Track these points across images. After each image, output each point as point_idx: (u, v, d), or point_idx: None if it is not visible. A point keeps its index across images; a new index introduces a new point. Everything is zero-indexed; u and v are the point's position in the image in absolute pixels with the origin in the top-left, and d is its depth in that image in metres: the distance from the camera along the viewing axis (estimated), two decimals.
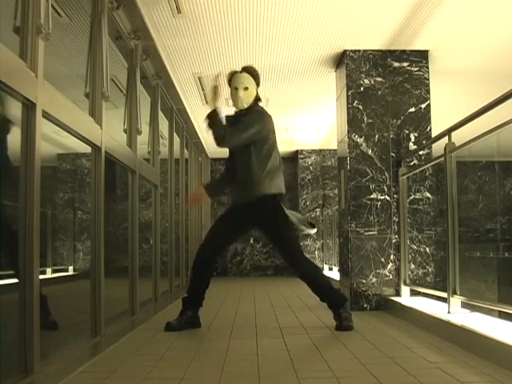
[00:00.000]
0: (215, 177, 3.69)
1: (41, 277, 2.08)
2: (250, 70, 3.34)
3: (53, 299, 2.62)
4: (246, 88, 3.28)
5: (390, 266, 4.31)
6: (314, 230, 3.44)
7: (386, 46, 4.43)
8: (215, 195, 3.90)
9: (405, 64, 4.49)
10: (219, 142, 3.28)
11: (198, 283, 3.40)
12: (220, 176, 3.79)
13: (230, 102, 3.46)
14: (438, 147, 3.59)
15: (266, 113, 3.39)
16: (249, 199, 3.31)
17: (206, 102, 6.09)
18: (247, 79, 3.30)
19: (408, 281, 4.22)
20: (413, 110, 4.45)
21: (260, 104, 3.43)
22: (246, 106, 3.32)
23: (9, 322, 1.99)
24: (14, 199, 2.00)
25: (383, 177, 4.39)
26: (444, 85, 5.32)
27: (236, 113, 3.41)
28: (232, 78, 3.33)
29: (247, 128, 3.24)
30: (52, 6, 2.23)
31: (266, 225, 3.37)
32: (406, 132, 4.43)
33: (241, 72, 3.33)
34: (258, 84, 3.37)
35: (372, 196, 4.37)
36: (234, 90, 3.30)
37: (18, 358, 1.96)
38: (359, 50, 4.50)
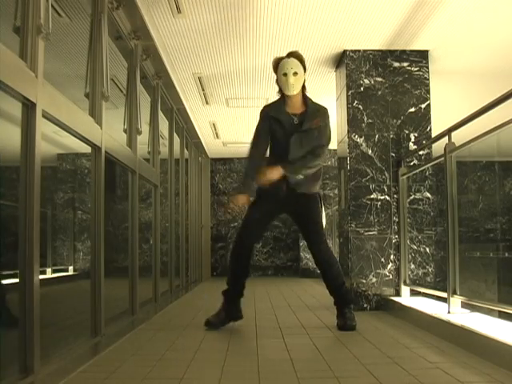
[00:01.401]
0: (248, 173, 3.50)
1: (41, 277, 2.08)
2: (297, 55, 3.31)
3: (53, 299, 2.62)
4: (296, 73, 3.25)
5: (390, 266, 4.31)
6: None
7: (386, 46, 4.43)
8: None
9: (405, 64, 4.49)
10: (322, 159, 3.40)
11: (239, 272, 3.39)
12: (254, 164, 3.41)
13: (276, 88, 3.40)
14: (438, 147, 3.59)
15: (326, 108, 3.41)
16: (306, 191, 3.32)
17: (207, 102, 6.10)
18: (296, 64, 3.26)
19: (408, 281, 4.22)
20: (413, 110, 4.45)
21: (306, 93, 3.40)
22: (295, 92, 3.28)
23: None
24: (14, 199, 2.00)
25: (383, 177, 4.39)
26: (444, 85, 5.32)
27: (291, 111, 3.33)
28: (279, 63, 3.29)
29: (328, 131, 3.39)
30: (52, 5, 2.23)
31: (305, 216, 3.38)
32: (406, 132, 4.43)
33: (288, 57, 3.28)
34: (305, 69, 3.33)
35: (372, 196, 4.37)
36: (283, 75, 3.25)
37: (18, 358, 1.96)
38: (359, 50, 4.50)
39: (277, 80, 3.35)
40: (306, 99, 3.37)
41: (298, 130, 3.28)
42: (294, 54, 3.31)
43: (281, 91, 3.36)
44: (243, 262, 3.38)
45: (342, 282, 3.41)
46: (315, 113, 3.33)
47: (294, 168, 3.27)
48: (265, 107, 3.48)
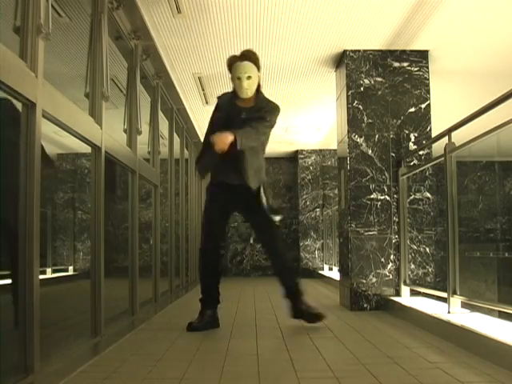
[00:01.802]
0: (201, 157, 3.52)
1: (41, 277, 2.08)
2: (252, 57, 3.29)
3: (53, 299, 2.62)
4: (250, 77, 3.25)
5: (389, 266, 4.31)
6: (277, 218, 3.45)
7: (386, 46, 4.43)
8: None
9: (405, 64, 4.49)
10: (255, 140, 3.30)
11: (208, 279, 3.41)
12: (204, 155, 3.47)
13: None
14: (438, 147, 3.59)
15: (277, 106, 3.43)
16: (247, 185, 3.30)
17: (207, 102, 6.10)
18: (249, 68, 3.25)
19: (408, 281, 4.22)
20: (413, 110, 4.45)
21: (262, 90, 3.42)
22: (250, 95, 3.30)
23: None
24: (14, 199, 2.00)
25: (383, 177, 4.39)
26: (444, 85, 5.32)
27: (241, 104, 3.35)
28: (233, 66, 3.28)
29: (272, 124, 3.36)
30: (52, 5, 2.23)
31: (252, 209, 3.39)
32: (406, 132, 4.43)
33: (242, 60, 3.26)
34: (259, 69, 3.33)
35: (372, 196, 4.37)
36: (237, 79, 3.26)
37: (18, 358, 1.96)
38: (359, 50, 4.50)
39: (232, 78, 3.35)
40: (258, 94, 3.37)
41: (247, 121, 3.28)
42: (247, 57, 3.28)
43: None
44: (212, 268, 3.40)
45: (294, 272, 3.49)
46: (264, 107, 3.34)
47: (244, 132, 3.20)
48: (218, 98, 3.51)
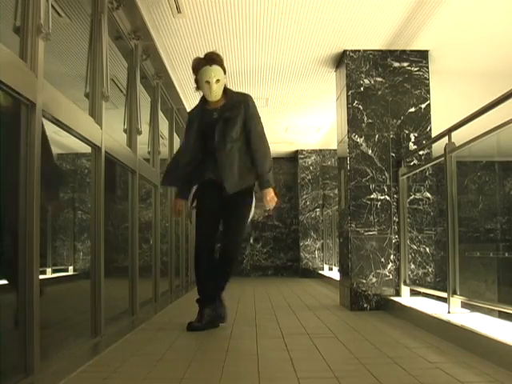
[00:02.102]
0: (171, 175, 3.59)
1: (41, 277, 2.08)
2: (218, 61, 3.31)
3: (53, 299, 2.62)
4: (218, 80, 3.29)
5: (389, 266, 4.31)
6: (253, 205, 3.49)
7: (386, 46, 4.43)
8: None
9: (405, 64, 4.49)
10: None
11: (204, 279, 3.42)
12: (179, 171, 3.48)
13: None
14: (438, 147, 3.59)
15: (247, 94, 3.47)
16: (236, 187, 3.32)
17: None
18: (217, 71, 3.28)
19: (408, 281, 4.22)
20: (413, 110, 4.45)
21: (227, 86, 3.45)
22: (218, 97, 3.34)
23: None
24: (14, 199, 2.00)
25: (383, 177, 4.39)
26: (444, 85, 5.32)
27: (211, 107, 3.38)
28: (201, 70, 3.29)
29: (258, 115, 3.42)
30: (52, 5, 2.23)
31: (235, 206, 3.39)
32: (406, 132, 4.43)
33: (210, 64, 3.27)
34: (224, 71, 3.36)
35: (372, 196, 4.37)
36: (206, 83, 3.29)
37: (18, 358, 1.96)
38: (359, 50, 4.50)
39: (196, 80, 3.37)
40: (226, 93, 3.40)
41: (220, 119, 3.32)
42: (215, 61, 3.29)
43: (198, 88, 3.40)
44: (207, 267, 3.40)
45: (224, 284, 3.46)
46: (236, 102, 3.37)
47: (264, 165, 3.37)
48: (188, 113, 3.60)
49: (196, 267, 3.47)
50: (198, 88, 3.39)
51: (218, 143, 3.30)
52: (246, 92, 3.52)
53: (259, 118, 3.42)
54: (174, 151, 5.86)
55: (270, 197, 3.40)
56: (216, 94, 3.32)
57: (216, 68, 3.28)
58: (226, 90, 3.40)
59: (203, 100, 3.44)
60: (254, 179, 3.42)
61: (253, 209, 3.46)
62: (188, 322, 3.31)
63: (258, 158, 3.37)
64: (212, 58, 3.30)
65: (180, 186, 3.56)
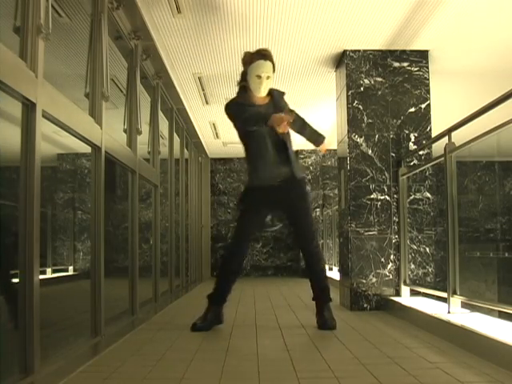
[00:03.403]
0: None
1: (41, 277, 2.08)
2: (271, 58, 3.32)
3: (53, 299, 2.62)
4: (269, 77, 3.29)
5: (389, 266, 4.31)
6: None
7: (386, 46, 4.43)
8: None
9: (405, 64, 4.49)
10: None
11: (227, 278, 3.43)
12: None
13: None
14: (438, 147, 3.59)
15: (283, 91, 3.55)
16: (288, 178, 3.32)
17: (207, 102, 6.10)
18: (270, 68, 3.28)
19: (408, 281, 4.22)
20: (413, 110, 4.45)
21: None
22: (265, 94, 3.35)
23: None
24: (14, 199, 2.00)
25: (383, 177, 4.39)
26: (444, 85, 5.32)
27: (256, 102, 3.36)
28: (253, 63, 3.28)
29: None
30: (52, 6, 2.23)
31: (294, 206, 3.40)
32: (406, 132, 4.43)
33: (265, 59, 3.27)
34: (274, 69, 3.38)
35: (372, 196, 4.37)
36: (257, 77, 3.28)
37: (18, 358, 1.96)
38: (359, 50, 4.50)
39: (243, 73, 3.36)
40: (270, 91, 3.42)
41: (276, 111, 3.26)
42: (269, 57, 3.30)
43: (242, 82, 3.39)
44: (233, 270, 3.42)
45: (325, 277, 3.47)
46: (279, 97, 3.45)
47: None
48: (231, 101, 3.44)
49: (225, 266, 3.46)
50: (241, 82, 3.38)
51: (283, 138, 3.30)
52: (278, 90, 3.54)
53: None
54: (174, 151, 5.86)
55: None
56: (265, 89, 3.32)
57: (269, 64, 3.29)
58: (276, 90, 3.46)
59: (242, 96, 3.39)
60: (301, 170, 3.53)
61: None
62: (192, 322, 3.31)
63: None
64: (267, 55, 3.31)
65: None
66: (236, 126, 3.43)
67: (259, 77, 3.27)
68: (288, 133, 3.34)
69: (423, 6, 3.73)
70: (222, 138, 8.03)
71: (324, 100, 6.02)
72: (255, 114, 3.28)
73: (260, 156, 3.34)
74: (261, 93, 3.33)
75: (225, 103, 3.47)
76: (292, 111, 3.18)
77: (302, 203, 3.42)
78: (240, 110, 3.33)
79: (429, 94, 4.48)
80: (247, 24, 4.04)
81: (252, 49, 4.49)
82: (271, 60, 3.32)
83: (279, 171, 3.33)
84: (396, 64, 4.49)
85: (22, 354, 1.96)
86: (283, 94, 3.54)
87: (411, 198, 4.36)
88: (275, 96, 3.43)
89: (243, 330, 3.33)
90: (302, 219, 3.42)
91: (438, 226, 4.72)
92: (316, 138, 3.66)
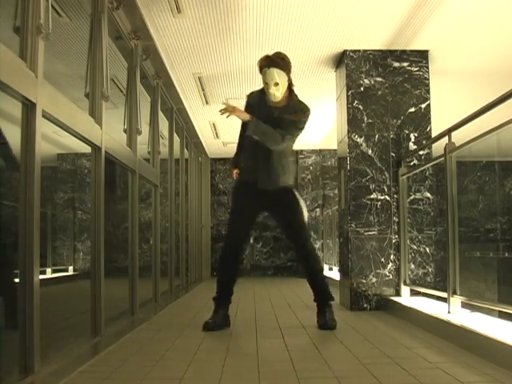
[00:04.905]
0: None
1: (41, 277, 2.08)
2: (280, 63, 3.26)
3: (53, 299, 2.61)
4: (277, 84, 3.27)
5: (389, 266, 4.31)
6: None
7: (386, 45, 4.43)
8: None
9: (405, 64, 4.49)
10: (279, 143, 3.34)
11: (226, 279, 3.43)
12: (237, 153, 3.66)
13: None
14: (438, 147, 3.59)
15: (308, 108, 3.44)
16: (276, 187, 3.37)
17: (207, 102, 6.10)
18: (276, 75, 3.25)
19: (408, 281, 4.22)
20: (413, 109, 4.45)
21: (294, 90, 3.43)
22: (278, 99, 3.33)
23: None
24: (14, 199, 2.00)
25: (383, 177, 4.39)
26: (444, 85, 5.32)
27: (272, 104, 3.36)
28: (262, 71, 3.28)
29: (302, 127, 3.40)
30: (52, 5, 2.23)
31: (284, 211, 3.45)
32: (406, 132, 4.43)
33: (269, 66, 3.24)
34: (289, 71, 3.33)
35: (372, 196, 4.37)
36: (265, 84, 3.29)
37: (18, 358, 1.96)
38: (359, 50, 4.49)
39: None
40: (291, 94, 3.40)
41: (279, 119, 3.31)
42: (275, 63, 3.25)
43: None
44: (232, 267, 3.43)
45: (323, 277, 3.50)
46: (296, 108, 3.38)
47: (265, 126, 3.30)
48: (250, 94, 3.55)
49: (222, 267, 3.49)
50: None
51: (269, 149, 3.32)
52: (304, 104, 3.44)
53: (300, 130, 3.41)
54: (174, 151, 5.87)
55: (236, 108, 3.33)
56: (275, 96, 3.30)
57: (274, 71, 3.23)
58: (291, 93, 3.39)
59: (265, 92, 3.39)
60: (293, 179, 3.52)
61: (304, 207, 3.50)
62: (204, 321, 3.32)
63: (272, 134, 3.34)
64: (274, 61, 3.26)
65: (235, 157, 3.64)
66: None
67: (267, 84, 3.28)
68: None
69: (423, 6, 3.73)
70: (221, 137, 8.03)
71: (324, 100, 6.02)
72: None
73: (250, 158, 3.44)
74: (272, 98, 3.31)
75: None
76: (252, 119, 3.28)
77: (292, 208, 3.44)
78: (255, 106, 3.41)
79: (429, 93, 4.48)
80: (247, 24, 4.04)
81: (252, 48, 4.53)
82: (279, 65, 3.25)
83: (268, 178, 3.38)
84: (396, 64, 4.49)
85: (22, 353, 1.96)
86: (304, 109, 3.39)
87: (411, 198, 4.36)
88: (291, 104, 3.37)
89: (243, 330, 3.33)
90: (292, 222, 3.44)
91: (437, 225, 4.72)
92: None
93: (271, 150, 3.34)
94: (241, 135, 3.61)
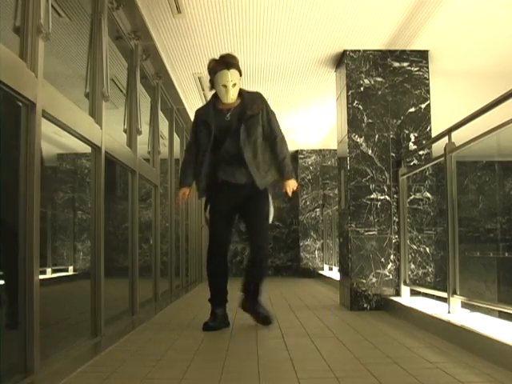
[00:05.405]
0: (186, 170, 3.56)
1: (41, 277, 2.08)
2: (235, 64, 3.31)
3: (53, 299, 2.61)
4: (235, 84, 3.30)
5: (389, 266, 4.31)
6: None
7: (386, 45, 4.43)
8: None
9: (405, 64, 4.49)
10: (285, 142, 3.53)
11: (216, 279, 3.43)
12: (191, 165, 3.52)
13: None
14: (438, 147, 3.59)
15: (260, 92, 3.51)
16: (252, 186, 3.35)
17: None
18: (234, 76, 3.29)
19: (408, 281, 4.22)
20: (413, 109, 4.45)
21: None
22: (234, 100, 3.35)
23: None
24: (14, 199, 2.00)
25: (383, 177, 4.39)
26: (444, 85, 5.32)
27: (224, 107, 3.38)
28: (218, 73, 3.28)
29: (275, 118, 3.47)
30: (52, 5, 2.23)
31: (253, 209, 3.44)
32: (406, 132, 4.43)
33: (228, 68, 3.27)
34: (240, 73, 3.38)
35: (372, 196, 4.37)
36: (223, 87, 3.29)
37: (18, 358, 1.96)
38: (359, 50, 4.49)
39: (211, 81, 3.38)
40: (240, 93, 3.41)
41: (243, 119, 3.31)
42: (232, 64, 3.29)
43: (212, 88, 3.42)
44: (219, 268, 3.43)
45: (261, 283, 3.48)
46: (252, 99, 3.40)
47: (288, 163, 3.45)
48: (196, 112, 3.55)
49: (209, 269, 3.48)
50: (213, 88, 3.40)
51: (244, 142, 3.30)
52: (254, 92, 3.51)
53: (275, 115, 3.48)
54: (174, 151, 5.86)
55: (294, 184, 3.46)
56: (233, 97, 3.33)
57: (233, 72, 3.29)
58: (239, 91, 3.41)
59: (215, 98, 3.42)
60: (276, 174, 3.46)
61: (272, 207, 3.48)
62: (204, 322, 3.32)
63: (283, 149, 3.47)
64: (229, 62, 3.30)
65: (182, 175, 3.57)
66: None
67: (225, 86, 3.29)
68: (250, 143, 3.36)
69: (423, 6, 3.73)
70: None
71: (324, 100, 6.02)
72: (183, 168, 3.57)
73: (224, 161, 3.40)
74: (229, 100, 3.34)
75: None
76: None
77: (257, 213, 3.43)
78: (197, 127, 3.46)
79: (429, 94, 4.48)
80: (247, 24, 4.04)
81: (252, 48, 4.53)
82: (235, 67, 3.30)
83: (244, 175, 3.36)
84: (396, 64, 4.49)
85: (22, 353, 1.96)
86: (258, 96, 3.45)
87: (411, 197, 4.36)
88: (246, 99, 3.39)
89: (243, 330, 3.33)
90: (256, 223, 3.44)
91: (437, 225, 4.72)
92: (282, 169, 3.47)
93: (243, 153, 3.32)
94: (189, 148, 3.57)
